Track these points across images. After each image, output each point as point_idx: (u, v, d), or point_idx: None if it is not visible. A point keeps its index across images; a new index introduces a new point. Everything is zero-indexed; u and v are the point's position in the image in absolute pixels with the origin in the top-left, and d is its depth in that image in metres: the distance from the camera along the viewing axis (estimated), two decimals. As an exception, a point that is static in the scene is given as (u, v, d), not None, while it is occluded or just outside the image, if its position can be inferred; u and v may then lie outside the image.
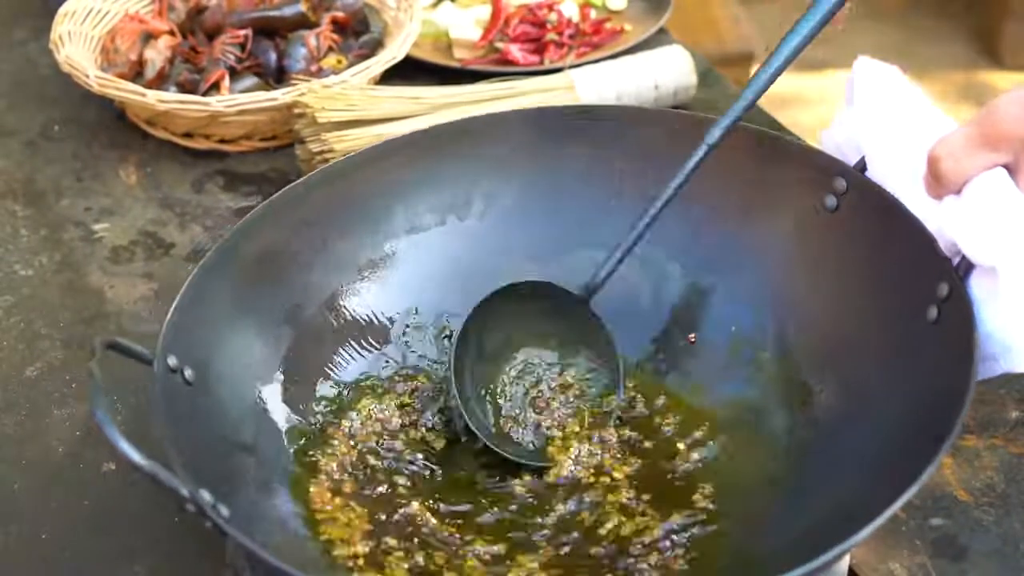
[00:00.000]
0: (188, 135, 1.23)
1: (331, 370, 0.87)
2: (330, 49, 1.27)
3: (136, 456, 0.66)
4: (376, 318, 0.90)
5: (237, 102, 1.17)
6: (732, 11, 2.24)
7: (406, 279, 0.92)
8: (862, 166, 0.85)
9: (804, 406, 0.83)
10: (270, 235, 0.87)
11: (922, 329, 0.78)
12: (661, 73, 1.20)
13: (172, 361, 0.76)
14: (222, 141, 1.23)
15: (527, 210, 0.94)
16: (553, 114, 0.95)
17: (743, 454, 0.83)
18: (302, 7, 1.28)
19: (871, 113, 0.83)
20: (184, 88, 1.22)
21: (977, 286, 0.77)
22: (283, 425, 0.83)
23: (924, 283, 0.78)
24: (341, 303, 0.90)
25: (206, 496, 0.67)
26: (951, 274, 0.77)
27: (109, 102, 1.26)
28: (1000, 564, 0.79)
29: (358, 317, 0.90)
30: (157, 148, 1.24)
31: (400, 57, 1.22)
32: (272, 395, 0.83)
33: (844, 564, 0.77)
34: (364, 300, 0.90)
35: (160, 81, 1.23)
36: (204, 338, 0.80)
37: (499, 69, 1.29)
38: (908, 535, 0.81)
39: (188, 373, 0.77)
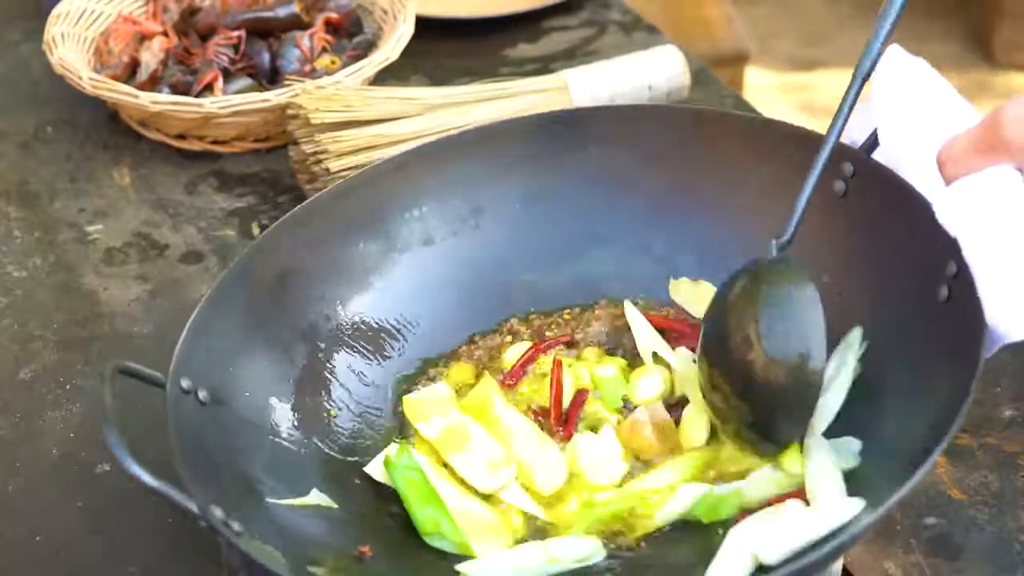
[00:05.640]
0: (181, 136, 1.23)
1: (344, 396, 0.87)
2: (324, 50, 1.27)
3: (148, 478, 0.66)
4: (385, 336, 0.90)
5: (230, 103, 1.17)
6: (725, 11, 2.23)
7: (412, 294, 0.91)
8: (868, 146, 0.84)
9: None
10: (283, 255, 0.87)
11: (935, 309, 0.76)
12: (655, 73, 1.20)
13: (185, 383, 0.76)
14: (215, 142, 1.23)
15: (524, 219, 0.93)
16: (549, 120, 0.95)
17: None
18: (295, 8, 1.28)
19: (890, 96, 0.82)
20: (177, 89, 1.22)
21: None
22: (300, 448, 0.82)
23: (934, 263, 0.77)
24: (353, 320, 0.89)
25: (217, 512, 0.67)
26: (958, 252, 0.76)
27: (102, 104, 1.25)
28: (994, 563, 0.80)
29: (374, 327, 0.89)
30: (150, 150, 1.24)
31: (394, 58, 1.22)
32: (285, 416, 0.83)
33: (839, 564, 0.77)
34: (375, 314, 0.90)
35: (153, 82, 1.23)
36: (217, 360, 0.80)
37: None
38: (902, 534, 0.81)
39: (202, 394, 0.77)
